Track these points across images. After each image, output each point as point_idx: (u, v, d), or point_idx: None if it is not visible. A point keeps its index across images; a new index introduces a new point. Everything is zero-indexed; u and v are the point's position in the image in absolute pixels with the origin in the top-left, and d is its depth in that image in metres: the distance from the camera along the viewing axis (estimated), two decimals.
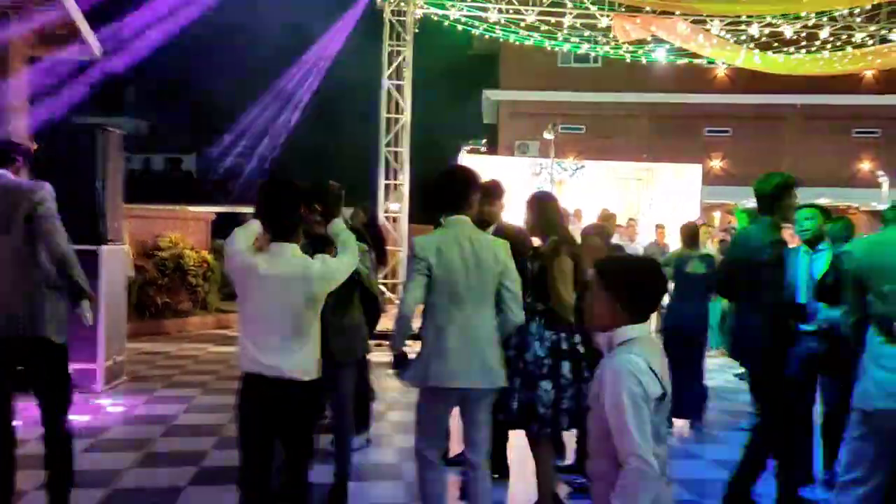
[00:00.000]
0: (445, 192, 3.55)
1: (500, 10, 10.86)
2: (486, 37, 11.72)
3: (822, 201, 9.68)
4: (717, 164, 23.93)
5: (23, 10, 8.91)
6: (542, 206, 4.03)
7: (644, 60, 13.46)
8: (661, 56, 13.01)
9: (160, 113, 52.75)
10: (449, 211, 3.51)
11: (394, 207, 11.12)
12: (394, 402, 6.85)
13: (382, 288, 8.47)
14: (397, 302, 10.98)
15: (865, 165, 24.90)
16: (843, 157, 24.62)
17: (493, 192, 4.44)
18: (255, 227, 3.19)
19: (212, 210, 16.01)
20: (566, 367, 3.75)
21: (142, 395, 6.87)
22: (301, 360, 3.08)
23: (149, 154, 51.69)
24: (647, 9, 9.95)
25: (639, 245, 10.00)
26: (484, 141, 12.89)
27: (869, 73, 23.77)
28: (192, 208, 17.53)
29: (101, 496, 4.31)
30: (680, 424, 6.24)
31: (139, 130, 54.78)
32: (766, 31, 11.11)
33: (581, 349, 3.83)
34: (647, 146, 22.51)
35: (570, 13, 10.90)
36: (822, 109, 24.38)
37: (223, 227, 11.72)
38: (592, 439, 2.33)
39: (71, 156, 6.64)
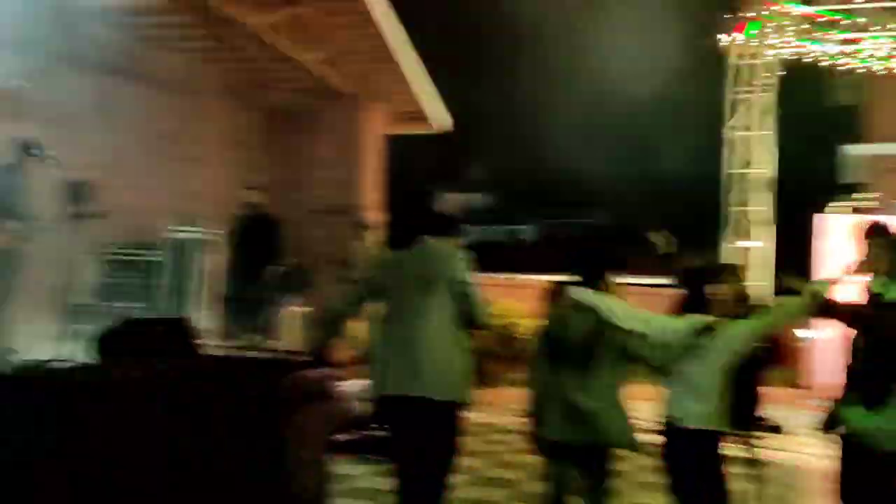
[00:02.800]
0: None
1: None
2: (853, 72, 9.87)
3: None
4: None
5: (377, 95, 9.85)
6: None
7: None
8: None
9: (501, 186, 56.13)
10: None
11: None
12: None
13: None
14: None
15: None
16: None
17: None
18: None
19: (545, 279, 15.79)
20: None
21: None
22: None
23: (489, 225, 55.15)
24: None
25: None
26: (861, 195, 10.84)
27: None
28: (531, 277, 17.53)
29: None
30: None
31: (484, 203, 59.02)
32: None
33: None
34: None
35: None
36: None
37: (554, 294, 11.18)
38: None
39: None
